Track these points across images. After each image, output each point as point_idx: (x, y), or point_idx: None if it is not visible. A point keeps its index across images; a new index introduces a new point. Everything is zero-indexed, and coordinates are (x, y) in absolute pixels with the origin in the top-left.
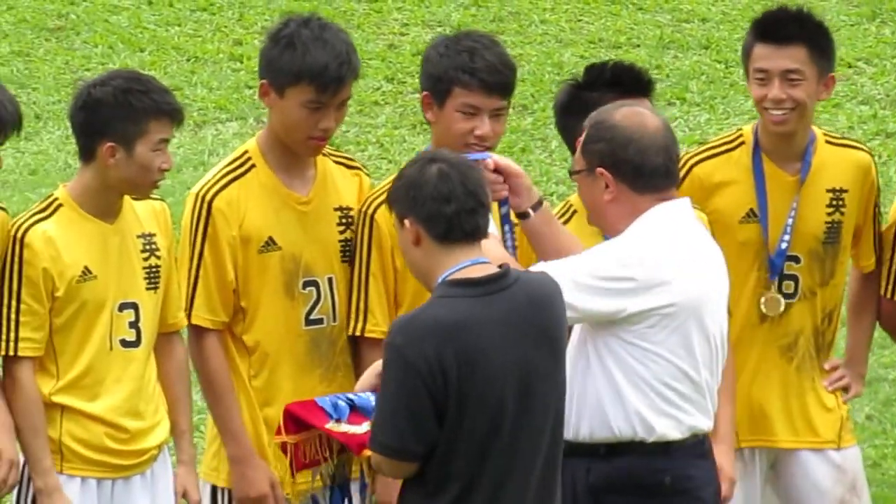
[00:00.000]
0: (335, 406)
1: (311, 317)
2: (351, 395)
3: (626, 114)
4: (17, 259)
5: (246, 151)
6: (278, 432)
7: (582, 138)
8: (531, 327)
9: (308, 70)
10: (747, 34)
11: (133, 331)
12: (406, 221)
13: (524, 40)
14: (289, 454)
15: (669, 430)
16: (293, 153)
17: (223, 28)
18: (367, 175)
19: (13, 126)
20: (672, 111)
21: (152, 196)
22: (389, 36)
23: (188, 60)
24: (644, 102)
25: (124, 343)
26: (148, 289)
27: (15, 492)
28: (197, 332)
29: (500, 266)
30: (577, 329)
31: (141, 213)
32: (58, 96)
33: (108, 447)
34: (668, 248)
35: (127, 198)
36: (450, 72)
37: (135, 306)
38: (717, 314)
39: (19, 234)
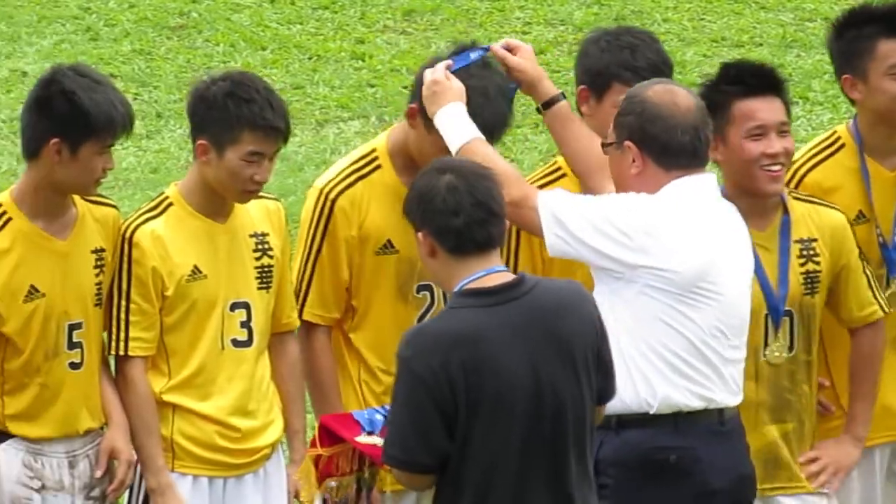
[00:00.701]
0: (371, 420)
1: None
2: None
3: (659, 90)
4: (126, 258)
5: (374, 150)
6: (313, 444)
7: (616, 112)
8: (546, 336)
9: None
10: (851, 32)
11: (245, 330)
12: (420, 234)
13: None
14: (319, 466)
15: (675, 395)
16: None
17: (345, 26)
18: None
19: (122, 127)
20: (795, 110)
21: (267, 196)
22: (511, 34)
23: (310, 59)
24: (775, 102)
25: (236, 343)
26: (259, 288)
27: (127, 491)
28: (308, 327)
29: (515, 274)
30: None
31: (254, 213)
32: (179, 95)
33: (220, 446)
34: (679, 216)
35: None
36: (611, 67)
37: (246, 306)
38: (731, 288)
39: (128, 234)
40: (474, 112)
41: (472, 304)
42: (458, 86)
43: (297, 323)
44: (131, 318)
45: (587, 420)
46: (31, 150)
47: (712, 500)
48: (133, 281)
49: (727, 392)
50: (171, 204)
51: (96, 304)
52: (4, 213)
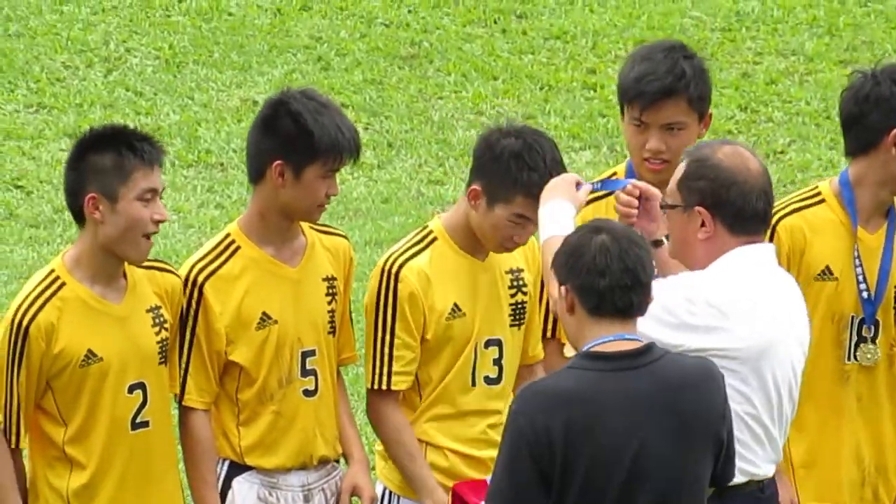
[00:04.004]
0: None
1: None
2: None
3: (729, 153)
4: (392, 293)
5: (615, 173)
6: None
7: (680, 174)
8: (661, 409)
9: (625, 89)
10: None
11: (496, 367)
12: (563, 288)
13: None
14: None
15: None
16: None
17: (576, 56)
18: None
19: (347, 152)
20: None
21: None
22: (743, 65)
23: (541, 89)
24: None
25: (487, 380)
26: (512, 325)
27: None
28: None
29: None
30: None
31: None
32: (410, 124)
33: (467, 476)
34: (739, 294)
35: None
36: None
37: (499, 343)
38: (785, 363)
39: (394, 269)
40: (630, 70)
41: (589, 367)
42: (579, 196)
43: (542, 355)
44: (395, 353)
45: (696, 498)
46: (256, 172)
47: None
48: (398, 315)
49: (770, 463)
50: (435, 238)
51: (329, 332)
52: (232, 241)
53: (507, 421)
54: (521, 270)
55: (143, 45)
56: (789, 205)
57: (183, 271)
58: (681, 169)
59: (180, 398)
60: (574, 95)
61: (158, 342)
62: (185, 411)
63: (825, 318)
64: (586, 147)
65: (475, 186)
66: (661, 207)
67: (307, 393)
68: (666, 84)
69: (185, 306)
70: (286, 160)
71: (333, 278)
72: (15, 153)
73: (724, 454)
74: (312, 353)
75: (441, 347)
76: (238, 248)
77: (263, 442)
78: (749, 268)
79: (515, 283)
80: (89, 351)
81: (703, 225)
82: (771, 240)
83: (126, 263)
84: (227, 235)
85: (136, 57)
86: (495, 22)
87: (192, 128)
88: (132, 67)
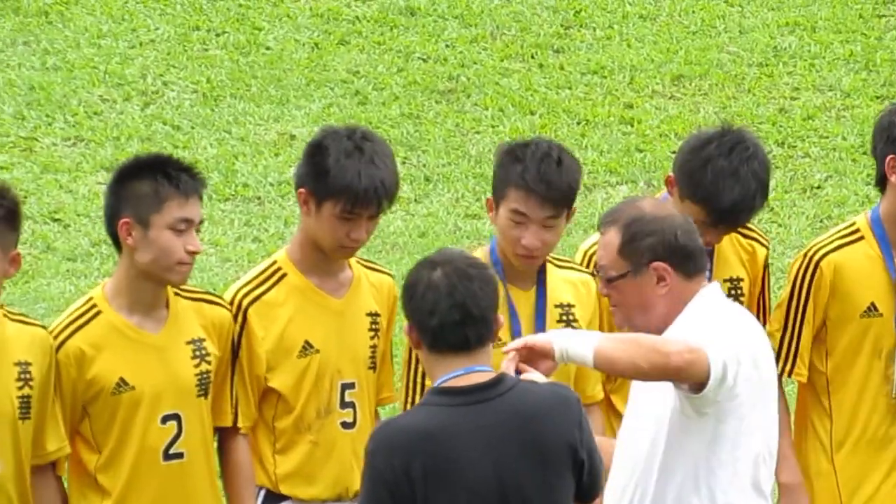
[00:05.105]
0: None
1: None
2: None
3: (651, 205)
4: None
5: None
6: None
7: (617, 241)
8: (517, 439)
9: (708, 203)
10: None
11: None
12: (406, 325)
13: None
14: None
15: None
16: None
17: (614, 91)
18: (766, 246)
19: (364, 200)
20: None
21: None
22: (780, 100)
23: (578, 123)
24: None
25: None
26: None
27: None
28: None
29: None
30: (651, 413)
31: (560, 282)
32: (447, 159)
33: None
34: (735, 328)
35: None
36: None
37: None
38: (773, 393)
39: None
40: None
41: (442, 403)
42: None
43: (600, 396)
44: (427, 382)
45: None
46: (296, 195)
47: None
48: None
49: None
50: None
51: (370, 367)
52: (279, 269)
53: (365, 461)
54: (572, 306)
55: (181, 79)
56: (831, 241)
57: (228, 295)
58: (612, 237)
59: (234, 422)
60: (611, 130)
61: (197, 374)
62: (224, 435)
63: (872, 354)
64: (623, 182)
65: (489, 197)
66: (609, 281)
67: (345, 425)
68: (755, 209)
69: None
70: (309, 190)
71: (377, 314)
72: (52, 186)
73: (588, 472)
74: (352, 385)
75: None
76: (284, 275)
77: (300, 472)
78: (722, 307)
79: (564, 318)
80: (121, 379)
81: (659, 280)
82: (812, 276)
83: (171, 293)
84: (274, 262)
85: (174, 90)
86: (532, 57)
87: (229, 161)
88: (170, 101)
